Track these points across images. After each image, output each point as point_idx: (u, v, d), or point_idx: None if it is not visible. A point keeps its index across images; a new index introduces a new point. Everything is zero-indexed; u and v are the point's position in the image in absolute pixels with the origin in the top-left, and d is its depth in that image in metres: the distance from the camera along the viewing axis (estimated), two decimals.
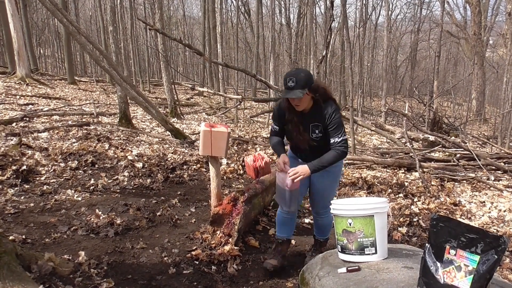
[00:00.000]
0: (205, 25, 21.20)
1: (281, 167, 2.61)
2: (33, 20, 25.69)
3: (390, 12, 22.97)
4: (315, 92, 2.50)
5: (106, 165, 5.19)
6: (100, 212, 3.57)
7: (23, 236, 3.04)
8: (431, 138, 7.89)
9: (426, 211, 4.28)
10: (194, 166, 5.64)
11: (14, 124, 7.39)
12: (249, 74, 7.34)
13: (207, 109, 15.13)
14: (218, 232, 3.24)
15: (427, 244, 1.82)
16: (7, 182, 4.16)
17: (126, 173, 4.92)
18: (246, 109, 15.18)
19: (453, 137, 9.61)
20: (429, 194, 4.85)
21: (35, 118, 8.28)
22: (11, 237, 2.88)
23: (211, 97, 19.69)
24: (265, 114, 12.34)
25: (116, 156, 5.55)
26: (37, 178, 4.44)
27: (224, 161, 5.89)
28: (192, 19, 38.49)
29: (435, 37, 21.60)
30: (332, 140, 2.52)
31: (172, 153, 6.25)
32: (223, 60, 17.02)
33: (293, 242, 3.41)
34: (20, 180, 4.23)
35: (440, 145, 7.29)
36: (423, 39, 26.32)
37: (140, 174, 4.96)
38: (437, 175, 5.65)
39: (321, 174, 2.65)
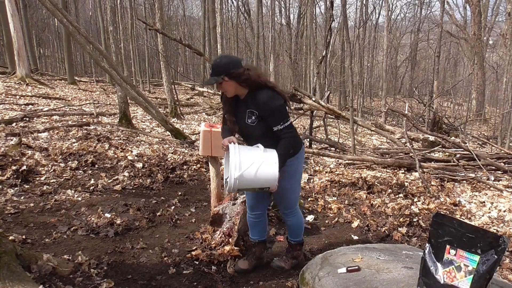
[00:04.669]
0: (205, 25, 21.22)
1: (226, 144, 2.48)
2: (33, 20, 25.69)
3: (390, 12, 22.98)
4: (238, 79, 2.40)
5: (106, 165, 5.19)
6: (100, 212, 3.57)
7: (23, 236, 3.04)
8: (431, 138, 7.88)
9: (426, 211, 4.27)
10: (194, 166, 5.63)
11: (14, 124, 7.39)
12: None
13: (207, 109, 15.13)
14: (218, 232, 3.25)
15: (427, 244, 1.82)
16: (7, 182, 4.16)
17: (126, 173, 4.92)
18: None
19: (453, 137, 9.60)
20: (429, 194, 4.85)
21: (35, 118, 8.27)
22: (11, 237, 2.88)
23: (211, 97, 19.69)
24: None
25: (116, 156, 5.55)
26: (37, 178, 4.44)
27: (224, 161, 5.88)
28: (192, 19, 38.50)
29: (435, 37, 21.59)
30: (274, 128, 2.45)
31: (172, 153, 6.25)
32: None
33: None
34: (20, 180, 4.23)
35: (440, 145, 7.29)
36: (423, 39, 26.33)
37: (140, 174, 4.96)
38: (437, 175, 5.65)
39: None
